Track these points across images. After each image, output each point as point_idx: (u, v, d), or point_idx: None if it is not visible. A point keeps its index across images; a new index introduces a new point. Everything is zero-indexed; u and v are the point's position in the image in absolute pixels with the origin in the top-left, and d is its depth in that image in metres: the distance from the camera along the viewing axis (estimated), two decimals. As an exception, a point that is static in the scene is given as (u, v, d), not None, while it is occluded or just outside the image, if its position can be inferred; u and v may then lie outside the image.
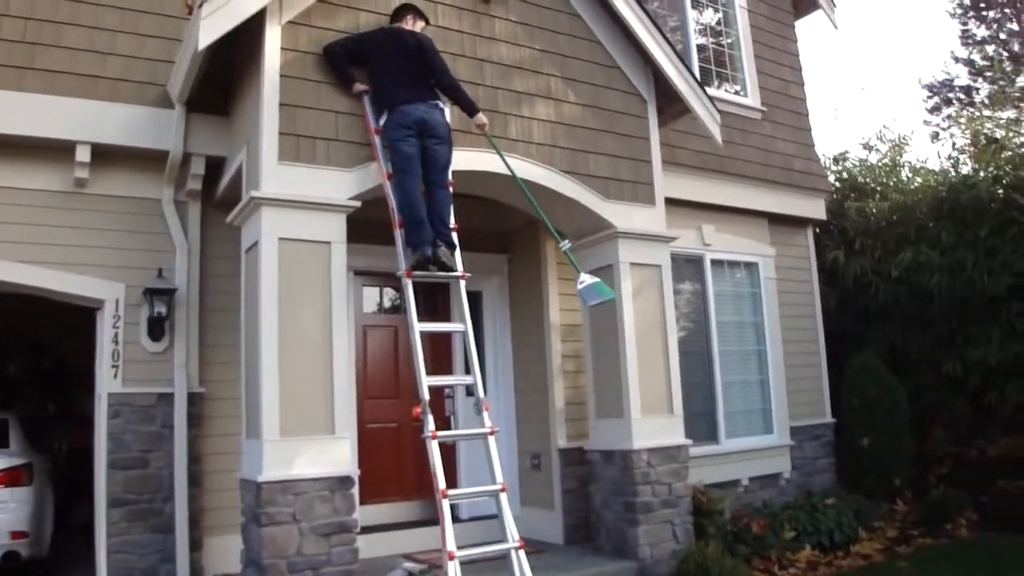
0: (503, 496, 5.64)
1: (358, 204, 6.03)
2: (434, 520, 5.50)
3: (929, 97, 26.09)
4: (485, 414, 5.92)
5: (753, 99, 10.34)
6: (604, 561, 7.11)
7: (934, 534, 8.77)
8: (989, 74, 23.20)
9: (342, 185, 6.02)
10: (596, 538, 7.58)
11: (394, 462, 8.12)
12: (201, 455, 6.78)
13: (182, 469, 6.60)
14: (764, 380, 9.64)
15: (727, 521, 8.21)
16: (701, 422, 8.81)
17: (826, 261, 11.44)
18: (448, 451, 8.09)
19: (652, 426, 7.24)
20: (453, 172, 6.30)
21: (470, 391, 6.05)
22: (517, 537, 5.56)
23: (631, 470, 7.08)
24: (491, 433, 5.85)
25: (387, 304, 8.56)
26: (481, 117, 6.39)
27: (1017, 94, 21.51)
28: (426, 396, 5.69)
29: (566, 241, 6.49)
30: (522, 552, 5.52)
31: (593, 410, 7.63)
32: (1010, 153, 11.36)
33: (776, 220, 10.28)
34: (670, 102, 7.91)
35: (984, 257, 10.32)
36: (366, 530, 7.45)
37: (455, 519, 7.73)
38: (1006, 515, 8.89)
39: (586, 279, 6.23)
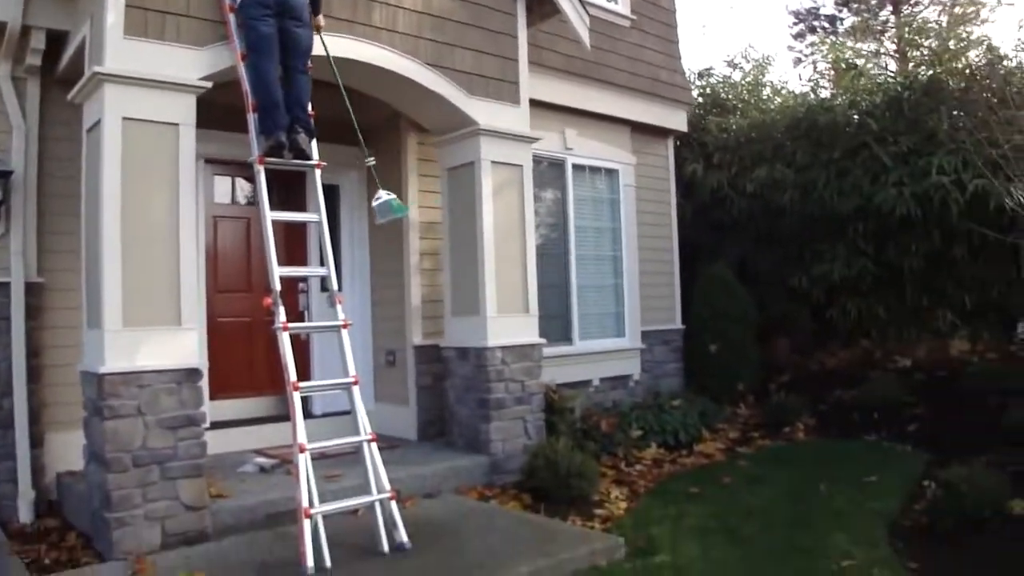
0: (355, 389, 5.61)
1: (209, 85, 5.74)
2: (287, 416, 5.41)
3: (795, 23, 26.63)
4: (339, 307, 5.84)
5: (623, 6, 10.32)
6: (457, 456, 7.21)
7: (773, 437, 9.25)
8: (854, 5, 23.88)
9: (193, 64, 5.70)
10: (450, 434, 7.67)
11: (246, 357, 7.98)
12: (41, 348, 6.46)
13: (20, 363, 6.28)
14: (618, 285, 9.84)
15: (578, 419, 8.44)
16: (556, 323, 8.95)
17: (685, 173, 11.72)
18: (302, 347, 8.00)
19: (507, 325, 7.31)
20: (312, 58, 6.07)
21: (325, 286, 5.95)
22: (369, 430, 5.55)
23: (485, 367, 7.15)
24: (344, 326, 5.78)
25: (240, 196, 8.28)
26: (320, 20, 6.16)
27: (879, 27, 22.27)
28: (277, 287, 5.56)
29: (371, 158, 6.42)
30: (374, 445, 5.53)
31: (449, 307, 7.65)
32: (867, 81, 11.78)
33: (639, 129, 10.39)
34: (540, 1, 7.80)
35: (835, 178, 10.76)
36: (218, 425, 7.36)
37: (309, 415, 7.75)
38: (840, 422, 9.44)
39: (382, 195, 6.26)
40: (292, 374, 5.38)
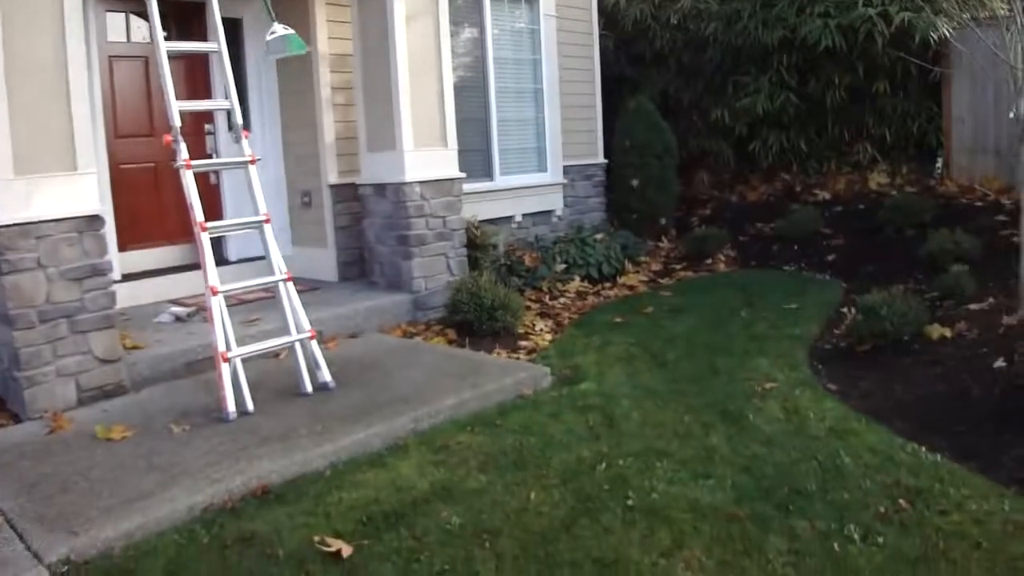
0: (267, 228, 5.39)
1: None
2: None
3: None
4: (245, 142, 5.54)
5: None
6: (380, 295, 7.10)
7: (695, 268, 9.32)
8: None
9: None
10: (371, 274, 7.54)
11: (154, 205, 7.61)
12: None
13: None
14: (540, 119, 9.58)
15: (501, 254, 8.36)
16: (476, 158, 8.74)
17: (607, 4, 11.32)
18: (212, 192, 7.70)
19: (425, 159, 7.08)
20: None
21: (231, 124, 5.61)
22: (284, 269, 5.37)
23: (404, 203, 6.96)
24: (252, 162, 5.49)
25: (136, 35, 7.72)
26: None
27: None
28: (176, 122, 5.21)
29: None
30: (290, 284, 5.35)
31: (364, 143, 7.37)
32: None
33: (559, -45, 9.92)
34: None
35: (760, 9, 10.47)
36: (131, 277, 7.13)
37: (223, 261, 7.51)
38: (760, 254, 9.55)
39: (278, 29, 5.95)
40: (199, 214, 5.13)
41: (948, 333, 5.94)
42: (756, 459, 4.22)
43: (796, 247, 9.40)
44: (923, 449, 4.25)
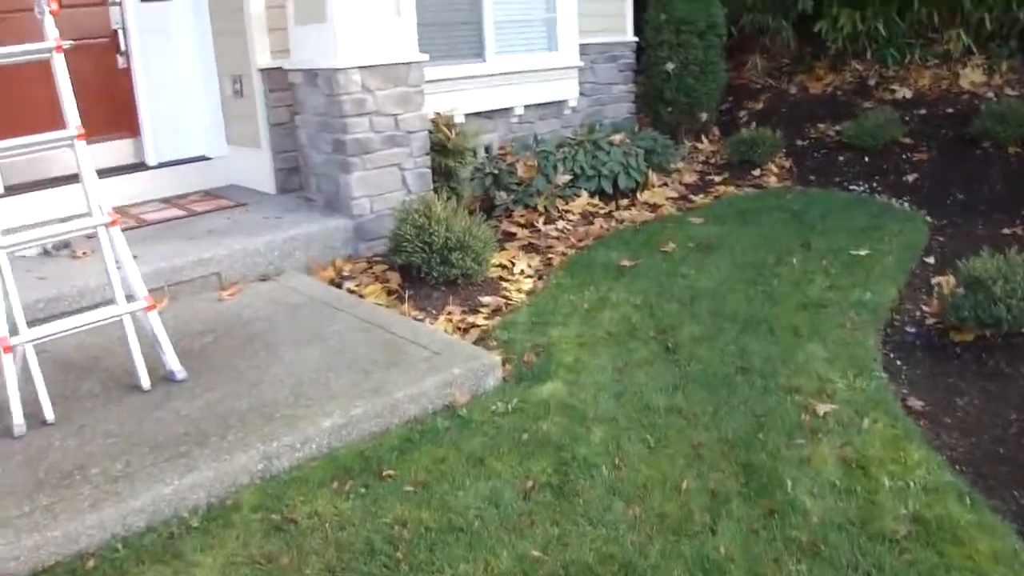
0: (80, 146, 3.59)
1: None
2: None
3: None
4: (48, 19, 3.63)
5: None
6: (311, 219, 5.36)
7: (739, 182, 7.38)
8: None
9: None
10: (307, 188, 5.80)
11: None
12: None
13: None
14: (549, -19, 7.49)
15: (486, 162, 6.55)
16: (462, 33, 6.75)
17: None
18: (120, 78, 5.96)
19: (367, 35, 5.17)
20: None
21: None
22: (107, 208, 3.62)
23: (339, 97, 5.12)
24: (58, 49, 3.62)
25: None
26: None
27: None
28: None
29: None
30: (115, 231, 3.61)
31: (292, 12, 5.50)
32: None
33: None
34: None
35: None
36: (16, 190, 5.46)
37: (141, 166, 5.92)
38: (820, 166, 7.57)
39: None
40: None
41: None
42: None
43: (867, 159, 7.40)
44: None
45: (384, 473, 3.07)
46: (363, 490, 2.97)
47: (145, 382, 3.60)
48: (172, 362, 3.65)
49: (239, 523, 2.82)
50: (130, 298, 3.62)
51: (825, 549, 2.66)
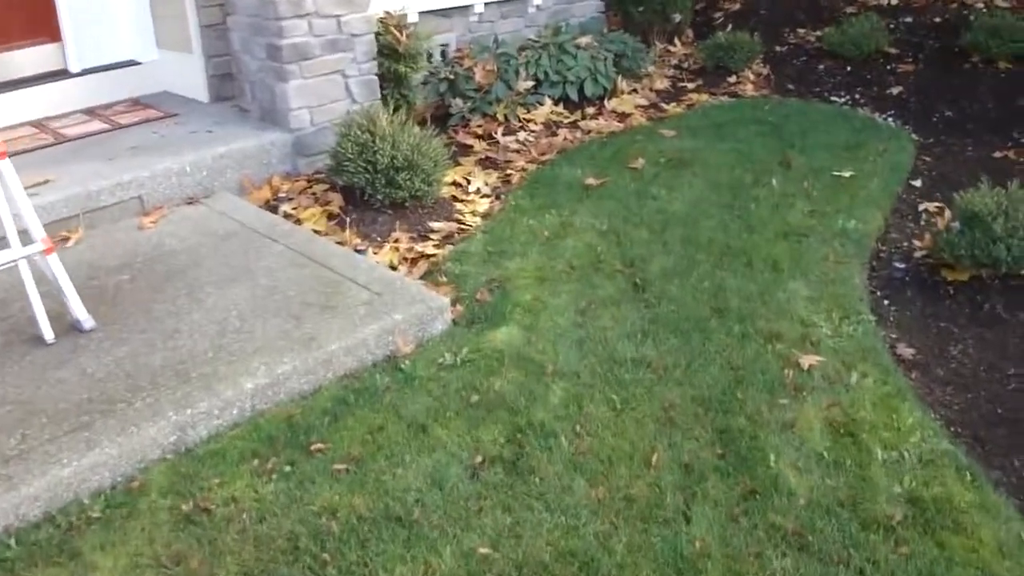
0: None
1: None
2: None
3: None
4: None
5: None
6: (246, 133, 4.85)
7: (713, 89, 6.86)
8: None
9: None
10: (242, 97, 5.26)
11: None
12: None
13: None
14: None
15: (441, 66, 6.03)
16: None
17: None
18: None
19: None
20: None
21: None
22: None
23: (272, -4, 4.59)
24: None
25: None
26: None
27: None
28: None
29: None
30: (5, 163, 3.12)
31: None
32: None
33: None
34: None
35: None
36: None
37: (64, 74, 5.40)
38: (800, 74, 7.03)
39: None
40: None
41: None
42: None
43: (849, 69, 6.91)
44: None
45: (313, 447, 2.69)
46: (288, 468, 2.60)
47: (48, 334, 3.18)
48: (78, 310, 3.22)
49: (146, 512, 2.44)
50: (26, 240, 3.16)
51: (812, 540, 2.35)
